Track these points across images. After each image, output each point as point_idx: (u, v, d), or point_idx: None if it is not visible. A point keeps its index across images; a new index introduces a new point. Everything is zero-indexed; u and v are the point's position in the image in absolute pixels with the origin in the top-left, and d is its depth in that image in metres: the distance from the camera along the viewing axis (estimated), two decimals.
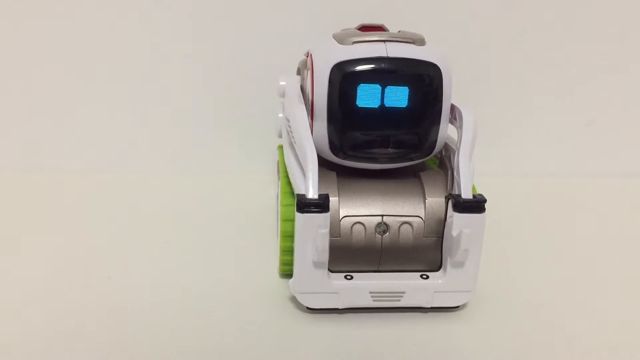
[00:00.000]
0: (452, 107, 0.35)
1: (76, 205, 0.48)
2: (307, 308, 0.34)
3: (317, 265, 0.32)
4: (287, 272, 0.36)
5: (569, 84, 0.56)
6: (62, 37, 0.53)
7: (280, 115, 0.46)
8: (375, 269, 0.34)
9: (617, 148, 0.58)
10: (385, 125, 0.33)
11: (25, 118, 0.55)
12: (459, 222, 0.32)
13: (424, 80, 0.33)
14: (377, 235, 0.34)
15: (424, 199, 0.34)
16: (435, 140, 0.34)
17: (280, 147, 0.46)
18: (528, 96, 0.56)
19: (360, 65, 0.32)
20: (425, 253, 0.34)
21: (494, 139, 0.54)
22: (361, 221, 0.34)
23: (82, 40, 0.53)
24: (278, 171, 0.45)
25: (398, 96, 0.32)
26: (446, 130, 0.35)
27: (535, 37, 0.54)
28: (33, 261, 0.40)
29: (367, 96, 0.32)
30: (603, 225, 0.47)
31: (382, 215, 0.34)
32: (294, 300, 0.34)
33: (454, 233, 0.32)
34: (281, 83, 0.42)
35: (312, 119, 0.34)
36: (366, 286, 0.33)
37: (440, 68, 0.33)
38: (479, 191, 0.34)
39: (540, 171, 0.57)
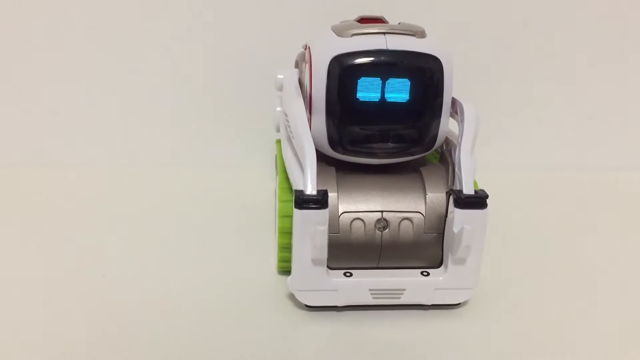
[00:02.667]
0: (454, 101, 0.35)
1: (71, 200, 0.48)
2: (306, 306, 0.34)
3: (315, 262, 0.32)
4: (285, 269, 0.36)
5: (570, 77, 0.56)
6: (61, 32, 0.52)
7: (278, 109, 0.45)
8: (375, 265, 0.34)
9: (619, 141, 0.58)
10: (386, 119, 0.33)
11: (22, 112, 0.55)
12: (460, 218, 0.31)
13: (425, 73, 0.32)
14: (377, 231, 0.33)
15: (425, 194, 0.34)
16: (436, 135, 0.34)
17: (278, 142, 0.45)
18: (530, 89, 0.56)
19: (359, 58, 0.32)
20: (426, 249, 0.34)
21: (495, 133, 0.54)
22: (360, 217, 0.33)
23: (81, 34, 0.53)
24: (276, 166, 0.44)
25: (399, 90, 0.32)
26: (447, 124, 0.34)
27: (537, 29, 0.54)
28: (26, 257, 0.39)
29: (367, 89, 0.32)
30: (607, 219, 0.47)
31: (382, 211, 0.33)
32: (292, 297, 0.34)
33: (455, 229, 0.32)
34: (279, 76, 0.42)
35: (310, 113, 0.34)
36: (366, 283, 0.33)
37: (442, 61, 0.32)
38: (480, 186, 0.33)
39: (541, 165, 0.57)
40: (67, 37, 0.53)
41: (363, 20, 0.36)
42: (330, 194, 0.32)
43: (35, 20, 0.52)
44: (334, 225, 0.33)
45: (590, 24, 0.54)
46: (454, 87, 0.34)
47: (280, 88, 0.42)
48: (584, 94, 0.56)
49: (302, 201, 0.31)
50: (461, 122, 0.34)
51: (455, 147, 0.34)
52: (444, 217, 0.33)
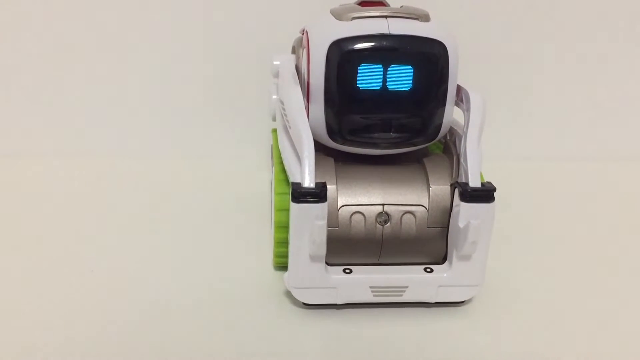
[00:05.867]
0: (459, 88, 0.34)
1: (62, 191, 0.47)
2: (303, 304, 0.33)
3: (313, 258, 0.31)
4: (281, 264, 0.35)
5: (576, 67, 0.55)
6: (56, 22, 0.52)
7: (274, 96, 0.44)
8: (376, 261, 0.33)
9: (626, 131, 0.57)
10: (387, 108, 0.32)
11: (18, 103, 0.54)
12: (466, 212, 0.31)
13: (429, 60, 0.31)
14: (378, 225, 0.32)
15: (428, 186, 0.33)
16: (440, 124, 0.33)
17: (275, 131, 0.45)
18: (534, 79, 0.55)
19: (360, 42, 0.31)
20: (429, 245, 0.33)
21: (499, 122, 0.53)
22: (361, 211, 0.32)
23: (76, 25, 0.52)
24: (272, 156, 0.44)
25: (401, 77, 0.31)
26: (452, 113, 0.34)
27: (542, 15, 0.53)
28: (14, 250, 0.38)
29: (368, 77, 0.31)
30: (617, 212, 0.47)
31: (383, 205, 0.33)
32: (289, 294, 0.33)
33: (461, 224, 0.31)
34: (275, 62, 0.41)
35: (308, 101, 0.33)
36: (366, 280, 0.32)
37: (446, 46, 0.31)
38: (485, 178, 0.32)
39: (547, 155, 0.56)
40: (63, 28, 0.52)
41: (364, 3, 0.36)
42: (329, 187, 0.32)
43: (34, 11, 0.51)
44: (332, 219, 0.32)
45: (597, 10, 0.54)
46: (459, 74, 0.32)
47: (276, 75, 0.41)
48: (590, 84, 0.56)
49: (300, 194, 0.30)
50: (467, 110, 0.34)
51: (460, 137, 0.33)
52: (448, 211, 0.32)
